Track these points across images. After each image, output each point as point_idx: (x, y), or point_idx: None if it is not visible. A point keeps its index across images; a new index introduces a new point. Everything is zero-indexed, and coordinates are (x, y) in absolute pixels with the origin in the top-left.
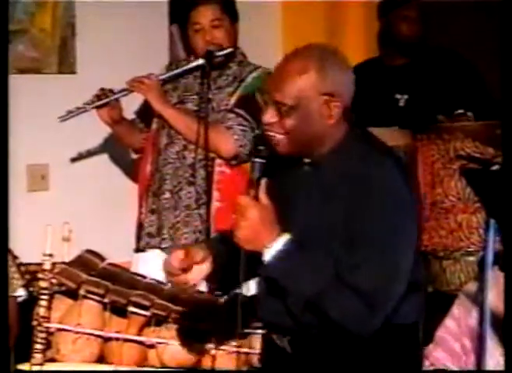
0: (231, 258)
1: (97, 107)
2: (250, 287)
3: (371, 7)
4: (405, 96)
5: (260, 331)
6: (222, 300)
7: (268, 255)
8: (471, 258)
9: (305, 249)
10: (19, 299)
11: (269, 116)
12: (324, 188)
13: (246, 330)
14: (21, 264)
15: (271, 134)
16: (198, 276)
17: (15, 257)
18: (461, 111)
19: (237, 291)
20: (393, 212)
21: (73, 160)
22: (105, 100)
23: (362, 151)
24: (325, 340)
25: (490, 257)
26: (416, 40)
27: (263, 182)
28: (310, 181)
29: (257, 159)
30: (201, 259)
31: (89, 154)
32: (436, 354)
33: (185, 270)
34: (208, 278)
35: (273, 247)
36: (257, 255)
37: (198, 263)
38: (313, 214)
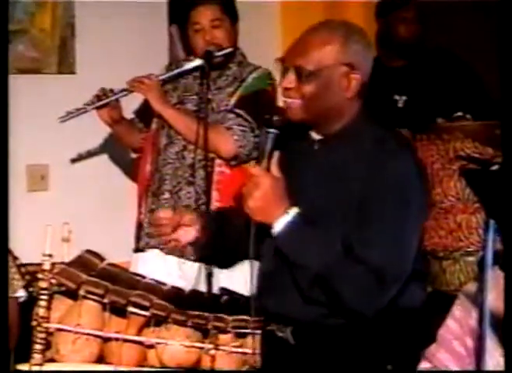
0: (221, 234)
1: (97, 108)
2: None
3: (370, 7)
4: (404, 97)
5: (258, 331)
6: (223, 300)
7: (279, 226)
8: (471, 258)
9: (314, 225)
10: (20, 300)
11: (288, 81)
12: (336, 167)
13: (245, 330)
14: (21, 265)
15: (288, 99)
16: (185, 237)
17: (16, 258)
18: (459, 114)
19: (249, 263)
20: (406, 198)
21: (73, 160)
22: (105, 101)
23: (378, 135)
24: (328, 330)
25: (490, 257)
26: (414, 41)
27: (275, 153)
28: (321, 159)
29: (270, 130)
30: (189, 222)
31: (89, 154)
32: (439, 355)
33: (173, 230)
34: (195, 248)
35: (283, 218)
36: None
37: (185, 225)
38: (322, 192)
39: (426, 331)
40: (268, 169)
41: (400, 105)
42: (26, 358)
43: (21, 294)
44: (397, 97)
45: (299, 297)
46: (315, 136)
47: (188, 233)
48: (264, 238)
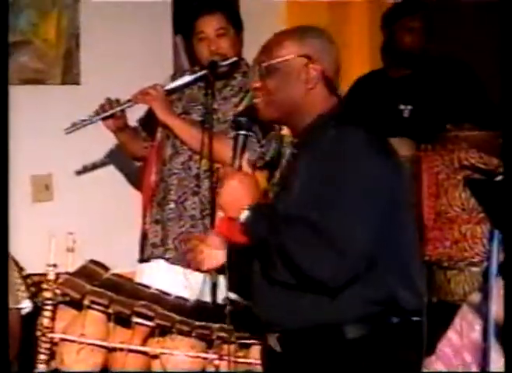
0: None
1: (103, 119)
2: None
3: (375, 11)
4: (409, 107)
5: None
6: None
7: (243, 216)
8: (476, 268)
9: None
10: (24, 311)
11: (254, 82)
12: (301, 163)
13: (248, 341)
14: (27, 276)
15: (256, 99)
16: (211, 260)
17: (22, 269)
18: (468, 126)
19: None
20: (356, 173)
21: (77, 170)
22: (110, 112)
23: (339, 120)
24: (315, 336)
25: (494, 268)
26: (419, 51)
27: (246, 154)
28: (295, 162)
29: (240, 132)
30: (218, 246)
31: (93, 164)
32: (436, 367)
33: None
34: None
35: (248, 209)
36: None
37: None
38: (293, 190)
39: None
40: (239, 168)
41: (405, 115)
42: (31, 368)
43: (25, 305)
44: (402, 107)
45: (283, 304)
46: (294, 140)
47: (215, 257)
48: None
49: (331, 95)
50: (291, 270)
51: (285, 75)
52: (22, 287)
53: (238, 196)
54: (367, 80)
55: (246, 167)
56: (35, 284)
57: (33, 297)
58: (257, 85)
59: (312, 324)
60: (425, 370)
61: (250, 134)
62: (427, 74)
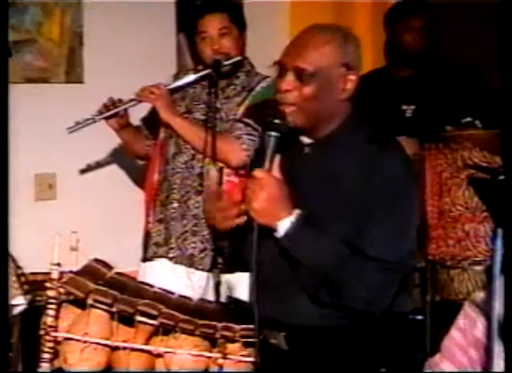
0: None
1: (106, 118)
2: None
3: (379, 11)
4: (412, 107)
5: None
6: (229, 309)
7: (284, 227)
8: (479, 267)
9: (316, 226)
10: (19, 308)
11: (286, 83)
12: (330, 170)
13: (253, 340)
14: (22, 274)
15: (286, 102)
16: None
17: (19, 267)
18: (468, 119)
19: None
20: (401, 193)
21: (80, 169)
22: (114, 111)
23: (367, 136)
24: (322, 335)
25: (498, 266)
26: (421, 50)
27: (277, 156)
28: (313, 163)
29: (272, 133)
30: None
31: (97, 163)
32: (442, 366)
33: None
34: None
35: (288, 219)
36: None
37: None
38: (318, 196)
39: (418, 336)
40: (270, 171)
41: (408, 114)
42: (34, 367)
43: (18, 301)
44: (405, 107)
45: (296, 302)
46: (305, 140)
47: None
48: (262, 246)
49: (351, 99)
50: (334, 295)
51: (324, 83)
52: (16, 285)
53: (275, 202)
54: (370, 79)
55: (276, 171)
56: (38, 283)
57: (26, 294)
58: (290, 87)
59: (320, 323)
60: (429, 370)
61: (281, 135)
62: (430, 74)
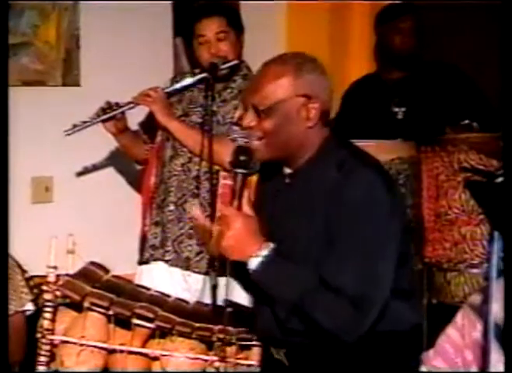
0: None
1: (103, 121)
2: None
3: (376, 13)
4: (403, 109)
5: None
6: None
7: (253, 263)
8: (475, 270)
9: (288, 259)
10: (27, 313)
11: (248, 120)
12: (303, 198)
13: (249, 343)
14: (30, 278)
15: (251, 139)
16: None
17: (25, 271)
18: (466, 122)
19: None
20: (370, 217)
21: (77, 172)
22: (111, 114)
23: (339, 158)
24: (320, 352)
25: (494, 270)
26: (410, 52)
27: (246, 193)
28: (291, 192)
29: (239, 170)
30: None
31: (93, 166)
32: (435, 363)
33: None
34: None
35: (256, 257)
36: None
37: None
38: (293, 225)
39: (418, 352)
40: (239, 208)
41: (399, 116)
42: (31, 370)
43: (29, 307)
44: (396, 109)
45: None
46: (286, 170)
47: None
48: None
49: (325, 125)
50: (306, 324)
51: (285, 116)
52: (26, 290)
53: (243, 240)
54: (362, 83)
55: (246, 207)
56: (35, 286)
57: (35, 299)
58: (253, 123)
59: (319, 339)
60: (423, 365)
61: (249, 172)
62: (420, 76)
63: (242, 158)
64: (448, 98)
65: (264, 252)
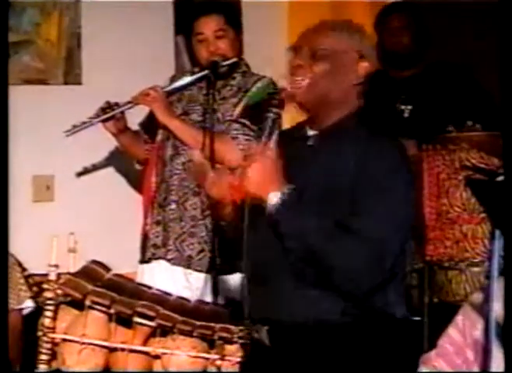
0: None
1: (103, 121)
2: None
3: (377, 12)
4: (409, 107)
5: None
6: (227, 310)
7: (274, 198)
8: (477, 268)
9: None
10: (26, 311)
11: (301, 58)
12: (333, 159)
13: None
14: (29, 276)
15: (298, 79)
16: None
17: (24, 269)
18: (470, 123)
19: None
20: (395, 180)
21: (78, 171)
22: (110, 114)
23: (369, 130)
24: (305, 330)
25: (495, 268)
26: (405, 51)
27: (274, 135)
28: (317, 153)
29: (270, 114)
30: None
31: (95, 165)
32: (436, 364)
33: None
34: None
35: (279, 192)
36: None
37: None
38: (315, 184)
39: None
40: (266, 147)
41: (406, 115)
42: (32, 368)
43: (27, 305)
44: (402, 107)
45: (281, 297)
46: (309, 132)
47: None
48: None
49: (359, 98)
50: (319, 270)
51: (337, 65)
52: (24, 287)
53: (267, 175)
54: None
55: (273, 148)
56: (36, 284)
57: (34, 297)
58: (302, 63)
59: (303, 320)
60: (423, 366)
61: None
62: (428, 76)
63: (274, 101)
64: (455, 98)
65: (287, 189)
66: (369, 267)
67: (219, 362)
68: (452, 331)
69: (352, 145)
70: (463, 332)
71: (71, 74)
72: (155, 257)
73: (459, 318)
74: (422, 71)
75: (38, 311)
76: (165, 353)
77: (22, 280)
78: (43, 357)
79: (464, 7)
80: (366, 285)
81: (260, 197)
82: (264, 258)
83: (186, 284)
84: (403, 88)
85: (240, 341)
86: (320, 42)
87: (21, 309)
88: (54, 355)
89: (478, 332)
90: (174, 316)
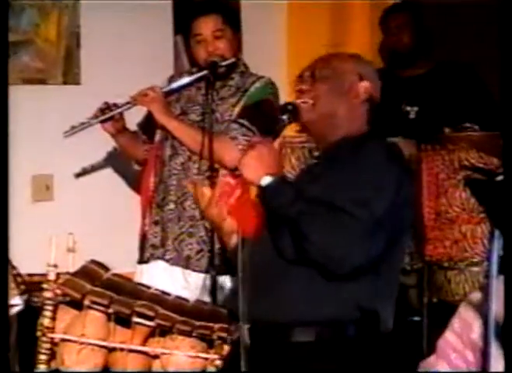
0: None
1: (101, 122)
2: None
3: (376, 12)
4: (415, 108)
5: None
6: (225, 311)
7: (266, 180)
8: (476, 268)
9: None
10: (16, 309)
11: (303, 83)
12: (325, 166)
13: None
14: (18, 274)
15: (303, 99)
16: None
17: (14, 267)
18: (467, 125)
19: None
20: (370, 166)
21: (78, 171)
22: (109, 114)
23: (366, 143)
24: (285, 329)
25: (494, 268)
26: (404, 50)
27: (280, 138)
28: (316, 167)
29: (283, 117)
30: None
31: (94, 164)
32: (439, 367)
33: None
34: None
35: (272, 175)
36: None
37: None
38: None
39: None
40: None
41: (411, 116)
42: (31, 368)
43: (15, 302)
44: (408, 108)
45: (261, 297)
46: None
47: None
48: (246, 245)
49: (367, 122)
50: (300, 246)
51: (338, 86)
52: (12, 285)
53: (263, 160)
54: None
55: (270, 140)
56: (35, 284)
57: (23, 294)
58: (305, 87)
59: (283, 321)
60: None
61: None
62: (434, 76)
63: (289, 106)
64: (460, 98)
65: (279, 176)
66: (351, 245)
67: (218, 362)
68: (449, 335)
69: (346, 154)
70: (460, 335)
71: (70, 74)
72: (153, 257)
73: (455, 322)
74: (427, 72)
75: (36, 311)
76: (164, 353)
77: (9, 278)
78: (43, 356)
79: (466, 7)
80: (347, 264)
81: (255, 183)
82: (261, 261)
83: (185, 284)
84: (408, 89)
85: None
86: (320, 65)
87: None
88: (53, 355)
89: (475, 335)
90: (173, 316)
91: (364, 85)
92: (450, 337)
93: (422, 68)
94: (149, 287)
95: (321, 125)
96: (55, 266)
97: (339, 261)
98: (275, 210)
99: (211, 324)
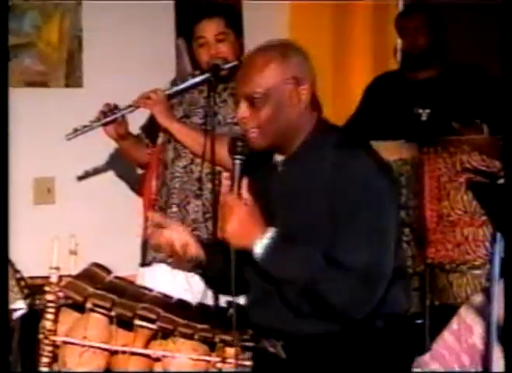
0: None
1: (104, 125)
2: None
3: (379, 14)
4: (427, 111)
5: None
6: (229, 312)
7: (259, 247)
8: (478, 271)
9: (292, 242)
10: (19, 312)
11: (242, 111)
12: (299, 183)
13: (251, 344)
14: (22, 278)
15: (247, 129)
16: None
17: (17, 271)
18: (477, 121)
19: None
20: (371, 196)
21: (79, 173)
22: (111, 117)
23: (334, 141)
24: (318, 343)
25: (496, 271)
26: (419, 52)
27: (244, 180)
28: (285, 179)
29: (237, 158)
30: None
31: (96, 167)
32: (432, 367)
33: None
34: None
35: (262, 241)
36: (246, 259)
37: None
38: (293, 211)
39: (415, 338)
40: (239, 196)
41: (423, 118)
42: (33, 371)
43: (18, 306)
44: (420, 110)
45: (289, 311)
46: (278, 157)
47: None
48: (251, 258)
49: (314, 109)
50: (316, 305)
51: (278, 102)
52: (15, 289)
53: (246, 225)
54: (384, 80)
55: (245, 193)
56: (37, 287)
57: (27, 298)
58: (246, 114)
59: (316, 331)
60: (419, 369)
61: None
62: (445, 78)
63: (239, 144)
64: (472, 101)
65: (269, 235)
66: (360, 297)
67: (219, 365)
68: (447, 335)
69: (319, 164)
70: (458, 337)
71: (73, 77)
72: (156, 260)
73: (454, 323)
74: (440, 74)
75: (38, 314)
76: (166, 356)
77: (13, 282)
78: (45, 359)
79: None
80: (360, 313)
81: (245, 247)
82: (259, 286)
83: (187, 287)
84: (420, 91)
85: (241, 344)
86: (252, 87)
87: (12, 310)
88: (55, 358)
89: (474, 338)
90: (175, 319)
91: (304, 88)
92: (448, 338)
93: (435, 70)
94: (151, 290)
95: (276, 143)
96: (57, 268)
97: (359, 313)
98: (278, 276)
99: (213, 327)
